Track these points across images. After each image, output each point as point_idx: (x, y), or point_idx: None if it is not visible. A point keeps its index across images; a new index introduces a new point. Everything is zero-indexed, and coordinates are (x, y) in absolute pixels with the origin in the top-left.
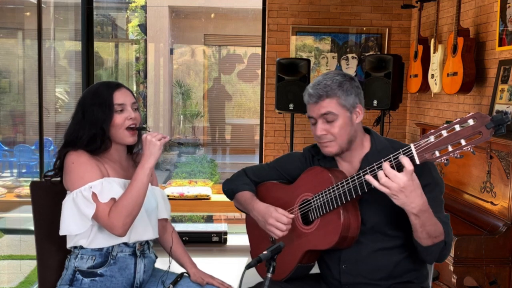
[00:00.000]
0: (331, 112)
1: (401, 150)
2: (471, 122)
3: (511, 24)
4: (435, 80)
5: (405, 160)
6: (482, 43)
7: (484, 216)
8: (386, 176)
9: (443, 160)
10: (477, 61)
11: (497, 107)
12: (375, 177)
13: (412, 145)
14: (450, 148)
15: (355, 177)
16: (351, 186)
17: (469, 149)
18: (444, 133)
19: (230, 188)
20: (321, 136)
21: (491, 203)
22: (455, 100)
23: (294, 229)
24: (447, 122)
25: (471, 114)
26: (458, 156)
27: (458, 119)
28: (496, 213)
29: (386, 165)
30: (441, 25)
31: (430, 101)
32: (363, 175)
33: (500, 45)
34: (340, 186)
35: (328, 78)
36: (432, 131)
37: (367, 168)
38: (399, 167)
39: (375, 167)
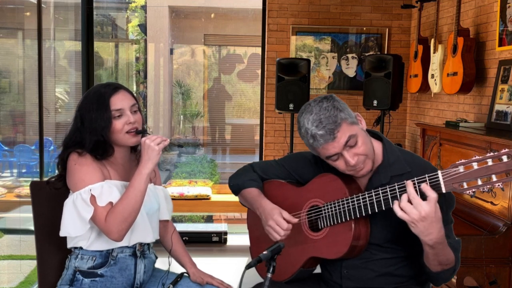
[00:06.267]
0: (350, 136)
1: (427, 176)
2: (505, 158)
3: (511, 24)
4: (435, 80)
5: (427, 190)
6: (482, 43)
7: (484, 216)
8: (409, 201)
9: (469, 192)
10: (477, 61)
11: (497, 107)
12: (395, 197)
13: (439, 172)
14: (479, 182)
15: (373, 194)
16: (368, 202)
17: (500, 185)
18: (475, 165)
19: (236, 183)
20: (355, 163)
21: (491, 203)
22: (455, 100)
23: (299, 233)
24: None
25: (506, 150)
26: (487, 190)
27: (491, 153)
28: (496, 213)
29: (411, 189)
30: (441, 25)
31: (430, 101)
32: (383, 195)
33: (500, 45)
34: (355, 199)
35: (321, 111)
36: (462, 161)
37: (387, 186)
38: (422, 193)
39: (396, 187)
